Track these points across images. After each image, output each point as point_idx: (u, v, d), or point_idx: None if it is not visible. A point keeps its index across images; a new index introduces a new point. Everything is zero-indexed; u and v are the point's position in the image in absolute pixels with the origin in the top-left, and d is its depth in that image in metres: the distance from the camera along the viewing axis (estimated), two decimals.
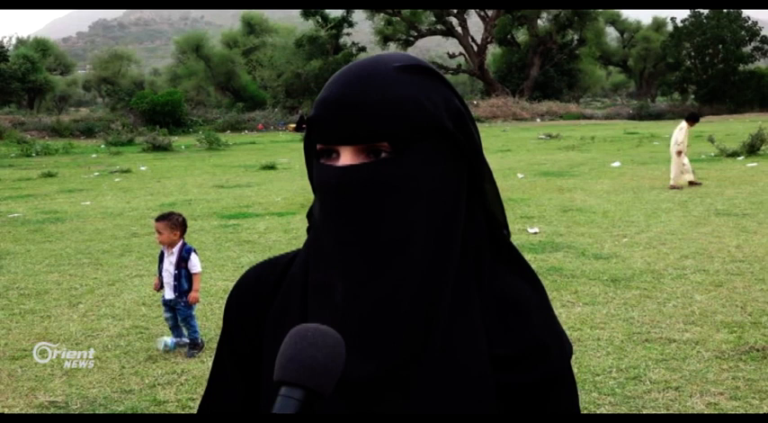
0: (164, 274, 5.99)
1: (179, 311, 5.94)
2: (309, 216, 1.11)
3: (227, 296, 1.20)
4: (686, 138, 15.01)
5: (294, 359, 0.88)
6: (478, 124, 1.15)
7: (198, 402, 4.73)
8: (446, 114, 1.04)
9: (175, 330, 6.01)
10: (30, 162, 26.23)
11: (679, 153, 14.66)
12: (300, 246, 1.13)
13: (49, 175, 20.51)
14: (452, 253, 1.04)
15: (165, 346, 5.84)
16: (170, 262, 5.96)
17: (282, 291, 1.12)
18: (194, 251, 6.07)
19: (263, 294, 1.14)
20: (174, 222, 5.93)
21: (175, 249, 5.95)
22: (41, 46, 69.17)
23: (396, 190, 1.00)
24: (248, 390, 1.14)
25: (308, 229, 1.12)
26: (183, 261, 5.96)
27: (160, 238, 5.96)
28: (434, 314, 1.01)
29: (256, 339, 1.12)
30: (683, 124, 15.26)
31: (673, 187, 14.45)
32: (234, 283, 1.20)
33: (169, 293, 5.95)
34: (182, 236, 6.01)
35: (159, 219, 6.01)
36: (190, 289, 5.93)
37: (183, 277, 5.96)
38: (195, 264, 6.00)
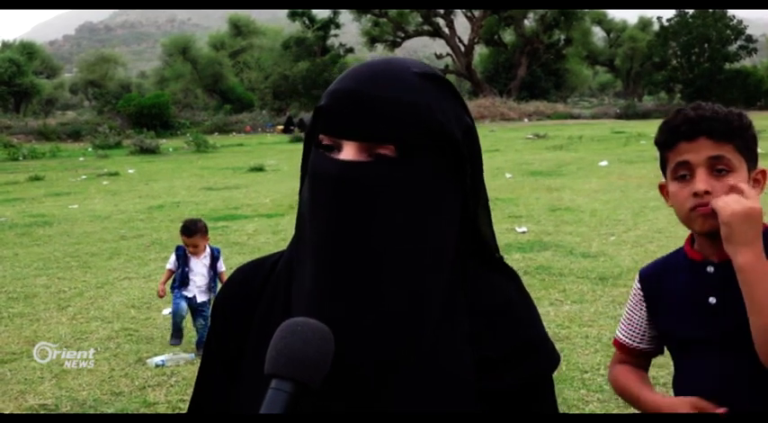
0: (194, 278, 5.85)
1: (206, 313, 5.77)
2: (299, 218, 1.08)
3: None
4: None
5: (284, 352, 0.89)
6: None
7: (188, 404, 4.76)
8: (456, 128, 1.02)
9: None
10: (17, 166, 26.02)
11: None
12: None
13: (37, 178, 20.37)
14: (443, 262, 1.02)
15: (158, 365, 5.58)
16: (204, 264, 5.90)
17: (268, 290, 1.11)
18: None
19: (249, 294, 1.13)
20: (203, 231, 5.89)
21: (207, 251, 5.92)
22: (27, 49, 68.54)
23: (394, 193, 0.97)
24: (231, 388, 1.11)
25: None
26: (215, 261, 5.94)
27: (196, 250, 5.87)
28: (418, 319, 1.00)
29: (243, 339, 1.11)
30: None
31: None
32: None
33: (202, 296, 5.86)
34: None
35: (190, 234, 5.86)
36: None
37: (217, 277, 5.93)
38: (222, 263, 6.02)
